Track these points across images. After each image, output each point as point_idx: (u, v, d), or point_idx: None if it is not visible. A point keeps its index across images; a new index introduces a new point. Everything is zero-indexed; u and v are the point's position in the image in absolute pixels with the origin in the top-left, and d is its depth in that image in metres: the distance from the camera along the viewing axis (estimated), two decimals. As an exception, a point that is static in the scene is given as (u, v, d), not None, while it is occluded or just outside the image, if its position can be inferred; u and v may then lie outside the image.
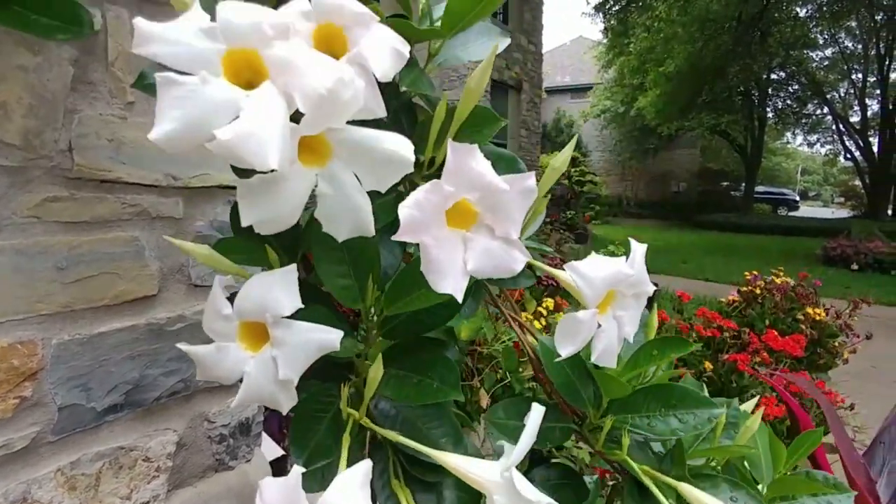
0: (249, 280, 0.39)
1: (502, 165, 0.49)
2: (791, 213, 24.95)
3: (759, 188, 23.47)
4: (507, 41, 0.52)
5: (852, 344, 2.47)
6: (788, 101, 18.90)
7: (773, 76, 17.63)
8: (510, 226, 0.37)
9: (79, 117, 0.83)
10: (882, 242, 8.99)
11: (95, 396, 0.87)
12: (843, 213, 24.00)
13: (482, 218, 0.37)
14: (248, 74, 0.32)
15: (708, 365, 2.26)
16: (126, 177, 0.89)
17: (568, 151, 0.58)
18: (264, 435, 1.27)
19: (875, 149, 16.01)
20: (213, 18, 0.32)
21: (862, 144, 16.46)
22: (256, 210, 0.33)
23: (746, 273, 3.01)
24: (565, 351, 0.45)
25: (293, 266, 0.38)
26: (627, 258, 0.52)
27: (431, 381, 0.43)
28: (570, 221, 9.32)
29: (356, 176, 0.36)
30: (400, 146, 0.35)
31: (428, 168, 0.46)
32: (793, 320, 2.50)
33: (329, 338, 0.37)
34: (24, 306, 0.78)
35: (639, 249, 0.52)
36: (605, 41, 18.81)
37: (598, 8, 16.84)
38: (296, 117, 0.33)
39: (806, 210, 28.55)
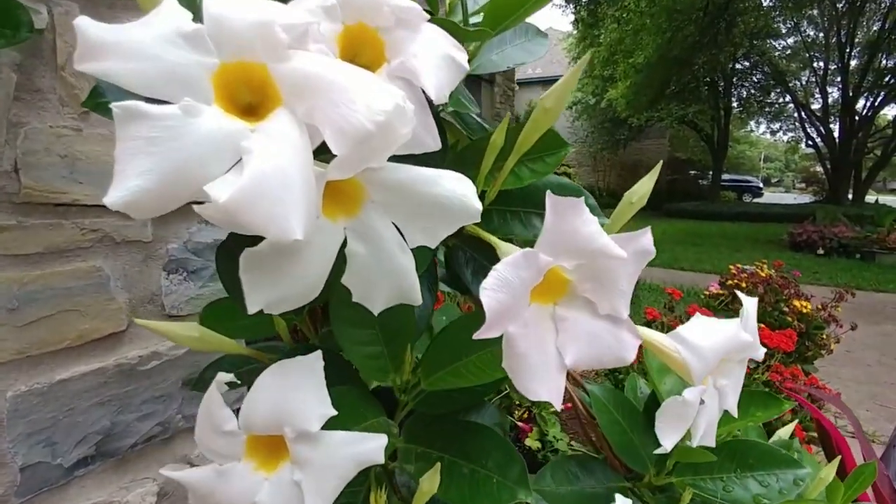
0: (260, 379, 0.29)
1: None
2: (756, 200, 25.60)
3: (725, 176, 24.01)
4: (546, 42, 0.44)
5: (837, 334, 2.48)
6: (752, 91, 19.29)
7: (738, 66, 17.95)
8: (619, 301, 0.28)
9: (25, 131, 0.71)
10: (846, 227, 9.24)
11: (62, 451, 0.76)
12: (805, 198, 24.70)
13: (578, 289, 0.28)
14: (249, 97, 0.22)
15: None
16: (83, 198, 0.77)
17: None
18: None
19: (836, 135, 16.47)
20: (197, 18, 0.22)
21: (823, 131, 16.92)
22: (267, 290, 0.24)
23: (731, 266, 3.01)
24: (669, 441, 0.36)
25: (318, 356, 0.29)
26: (741, 318, 0.43)
27: (490, 475, 0.34)
28: (546, 214, 9.33)
29: (397, 228, 0.27)
30: (461, 189, 0.26)
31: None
32: (779, 313, 2.50)
33: (370, 449, 0.28)
34: (-32, 357, 0.66)
35: (751, 307, 0.44)
36: (575, 33, 18.87)
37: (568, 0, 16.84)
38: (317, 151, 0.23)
39: (769, 196, 29.32)
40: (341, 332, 0.35)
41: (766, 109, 20.38)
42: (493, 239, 0.32)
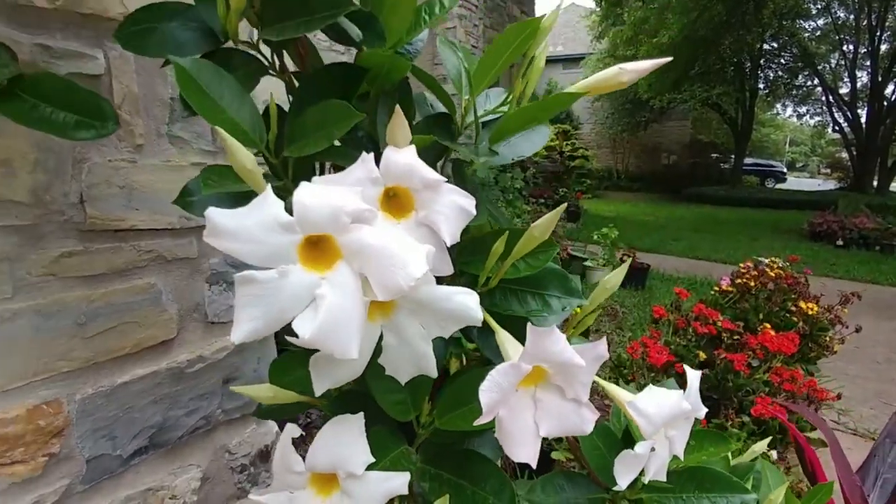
0: (321, 433, 0.39)
1: (555, 283, 0.49)
2: (779, 185, 25.13)
3: (748, 160, 23.56)
4: (548, 132, 0.51)
5: (841, 335, 2.53)
6: (780, 72, 18.79)
7: (766, 46, 17.47)
8: (581, 389, 0.38)
9: (88, 166, 0.81)
10: (867, 218, 9.09)
11: (121, 444, 0.87)
12: (830, 184, 24.20)
13: (552, 378, 0.38)
14: (320, 250, 0.31)
15: (702, 355, 2.31)
16: (140, 223, 0.87)
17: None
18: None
19: (863, 121, 16.05)
20: (280, 195, 0.30)
21: (850, 117, 16.49)
22: (328, 377, 0.33)
23: (741, 265, 3.04)
24: (624, 481, 0.46)
25: (360, 417, 0.38)
26: (685, 390, 0.52)
27: (487, 497, 0.44)
28: (562, 199, 9.30)
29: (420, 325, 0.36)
30: (468, 303, 0.34)
31: (482, 286, 0.46)
32: (786, 313, 2.54)
33: (397, 484, 0.38)
34: (46, 366, 0.77)
35: (694, 379, 0.52)
36: (598, 10, 18.44)
37: (591, -25, 16.47)
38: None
39: (793, 181, 28.73)
40: (375, 385, 0.44)
41: (794, 92, 19.83)
42: (494, 325, 0.41)
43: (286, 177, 0.43)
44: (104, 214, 0.82)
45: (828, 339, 2.46)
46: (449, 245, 0.37)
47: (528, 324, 0.35)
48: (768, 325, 2.35)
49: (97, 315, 0.82)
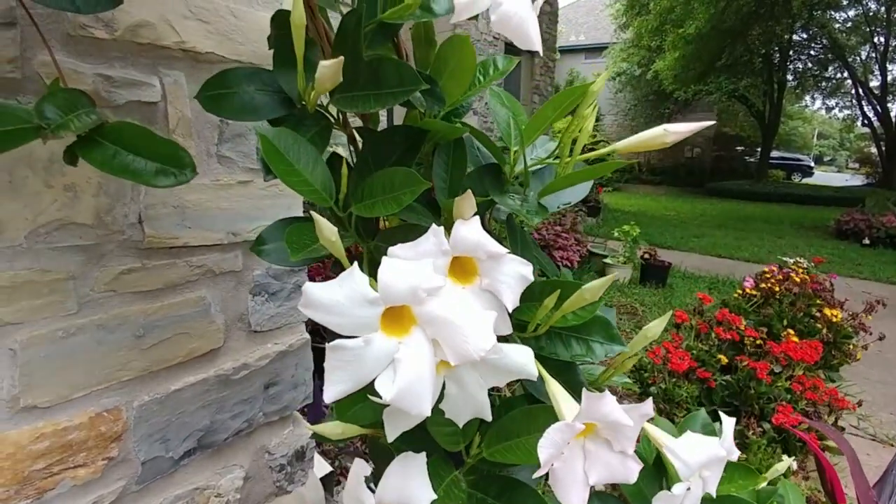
0: (389, 470, 0.42)
1: (598, 329, 0.52)
2: (805, 180, 24.56)
3: (775, 153, 23.00)
4: (590, 184, 0.54)
5: (865, 342, 2.50)
6: (809, 64, 18.28)
7: (795, 38, 16.98)
8: (627, 443, 0.41)
9: (146, 189, 0.85)
10: (895, 216, 8.87)
11: (172, 446, 0.93)
12: (858, 180, 23.58)
13: (601, 432, 0.41)
14: (398, 316, 0.35)
15: (723, 359, 2.31)
16: (192, 240, 0.92)
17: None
18: (316, 456, 1.34)
19: (893, 116, 15.58)
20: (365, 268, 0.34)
21: (880, 111, 16.02)
22: (401, 427, 0.37)
23: (766, 269, 3.02)
24: None
25: (423, 456, 0.42)
26: (721, 437, 0.54)
27: None
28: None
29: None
30: (524, 360, 0.38)
31: (532, 332, 0.49)
32: (810, 318, 2.52)
33: None
34: (108, 376, 0.83)
35: (729, 426, 0.55)
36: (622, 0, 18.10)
37: (616, -36, 16.16)
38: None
39: (820, 176, 28.05)
40: (430, 419, 0.48)
41: (823, 84, 19.28)
42: (545, 374, 0.44)
43: (350, 227, 0.46)
44: (160, 233, 0.87)
45: (851, 346, 2.45)
46: (510, 309, 0.40)
47: (584, 391, 0.38)
48: (792, 332, 2.34)
49: (153, 327, 0.87)
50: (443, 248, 0.38)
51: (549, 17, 13.16)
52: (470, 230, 0.40)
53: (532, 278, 0.42)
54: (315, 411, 1.71)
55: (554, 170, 0.53)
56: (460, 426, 0.41)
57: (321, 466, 1.53)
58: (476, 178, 0.51)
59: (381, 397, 0.32)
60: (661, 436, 0.51)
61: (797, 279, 2.77)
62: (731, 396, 2.01)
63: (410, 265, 0.34)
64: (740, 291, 2.97)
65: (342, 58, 0.44)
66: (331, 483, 1.56)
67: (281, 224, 0.50)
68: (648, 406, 0.42)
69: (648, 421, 0.56)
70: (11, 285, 0.71)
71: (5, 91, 0.69)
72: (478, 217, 0.41)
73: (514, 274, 0.41)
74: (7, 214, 0.70)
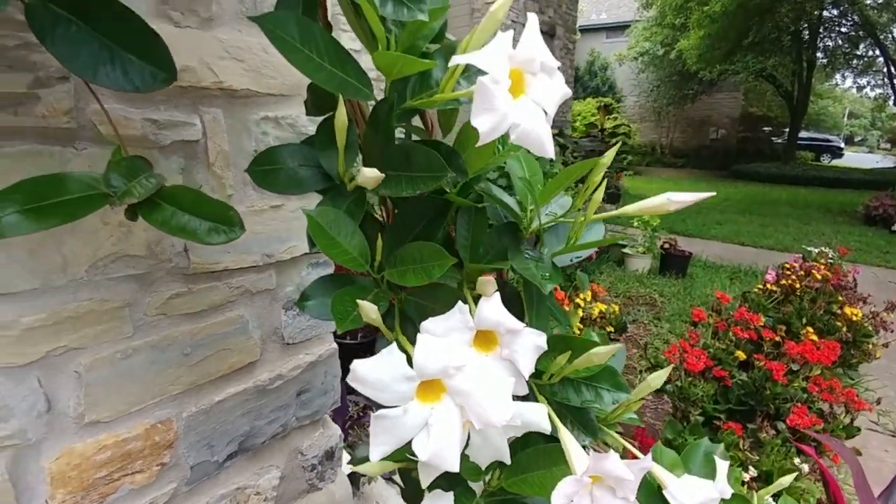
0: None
1: (607, 378, 0.57)
2: (835, 162, 23.87)
3: (803, 134, 22.34)
4: (602, 232, 0.59)
5: (886, 341, 2.49)
6: (840, 42, 17.64)
7: (825, 14, 16.37)
8: (629, 492, 0.46)
9: (191, 217, 0.92)
10: (927, 201, 8.63)
11: (217, 451, 1.02)
12: (889, 161, 22.83)
13: (605, 482, 0.47)
14: (431, 385, 0.40)
15: (741, 354, 2.34)
16: (231, 264, 0.99)
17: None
18: (344, 454, 1.43)
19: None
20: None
21: (914, 89, 15.47)
22: (432, 475, 0.43)
23: (787, 264, 3.00)
24: None
25: (451, 496, 0.48)
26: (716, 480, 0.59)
27: None
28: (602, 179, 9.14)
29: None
30: (539, 418, 0.44)
31: (548, 379, 0.54)
32: (830, 316, 2.52)
33: None
34: (160, 391, 0.91)
35: (723, 468, 0.60)
36: (645, -24, 17.63)
37: (639, -60, 15.72)
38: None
39: (850, 157, 27.19)
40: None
41: (854, 63, 18.59)
42: (558, 424, 0.50)
43: (383, 284, 0.52)
44: (204, 259, 0.94)
45: (871, 345, 2.44)
46: (525, 376, 0.46)
47: (591, 452, 0.44)
48: (811, 330, 2.34)
49: (199, 345, 0.95)
50: (468, 324, 0.44)
51: (569, -2, 12.93)
52: (492, 310, 0.45)
53: (545, 347, 0.48)
54: (341, 413, 1.80)
55: (568, 226, 0.58)
56: (483, 467, 0.47)
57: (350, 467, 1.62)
58: (495, 236, 0.56)
59: (417, 457, 0.38)
60: (663, 476, 0.56)
61: (818, 276, 2.76)
62: (746, 396, 2.05)
63: (441, 346, 0.40)
64: (760, 286, 2.97)
65: (384, 175, 0.49)
66: (357, 479, 1.65)
67: (321, 281, 0.56)
68: (648, 462, 0.47)
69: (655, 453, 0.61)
70: (76, 315, 0.79)
71: (63, 139, 0.76)
72: (498, 294, 0.46)
73: (529, 345, 0.47)
74: (70, 252, 0.78)
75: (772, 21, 14.98)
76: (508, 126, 0.38)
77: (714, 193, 0.63)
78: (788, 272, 2.89)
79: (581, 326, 2.42)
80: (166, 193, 0.58)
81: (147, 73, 0.53)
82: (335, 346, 1.26)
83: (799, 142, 20.64)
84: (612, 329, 2.54)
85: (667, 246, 5.30)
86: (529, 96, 0.41)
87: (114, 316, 0.84)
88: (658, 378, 0.62)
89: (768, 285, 2.92)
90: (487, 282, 0.46)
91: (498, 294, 0.46)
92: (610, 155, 0.54)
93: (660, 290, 4.82)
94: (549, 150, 0.40)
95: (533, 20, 0.41)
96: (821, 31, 17.07)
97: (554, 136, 6.67)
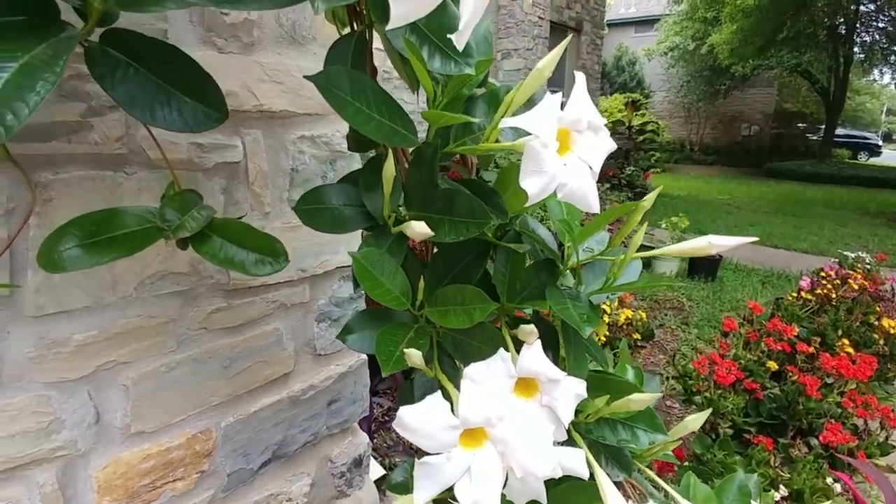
0: None
1: (644, 419, 0.57)
2: (872, 160, 23.03)
3: (840, 131, 21.59)
4: (639, 268, 0.59)
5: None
6: (877, 36, 16.95)
7: (862, 9, 15.75)
8: None
9: (231, 235, 0.95)
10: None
11: (252, 459, 1.05)
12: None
13: None
14: (473, 432, 0.42)
15: (773, 365, 2.29)
16: (268, 279, 1.02)
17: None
18: (372, 461, 1.46)
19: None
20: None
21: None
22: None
23: (822, 271, 2.92)
24: None
25: None
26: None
27: None
28: (628, 178, 8.99)
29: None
30: (577, 464, 0.45)
31: (585, 419, 0.55)
32: (867, 328, 2.45)
33: None
34: (201, 402, 0.95)
35: None
36: (676, -30, 17.22)
37: (670, -67, 15.36)
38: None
39: (889, 154, 26.19)
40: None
41: (892, 58, 17.86)
42: (595, 466, 0.51)
43: (422, 319, 0.53)
44: (243, 276, 0.97)
45: (910, 359, 2.37)
46: (566, 425, 0.47)
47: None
48: (846, 342, 2.28)
49: (237, 358, 0.98)
50: (510, 373, 0.45)
51: (598, -8, 12.73)
52: (533, 359, 0.46)
53: (585, 395, 0.48)
54: (367, 417, 1.83)
55: (606, 264, 0.59)
56: (517, 505, 0.48)
57: (375, 469, 1.65)
58: (533, 273, 0.57)
59: (459, 502, 0.39)
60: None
61: (855, 286, 2.68)
62: (778, 410, 2.01)
63: (485, 395, 0.41)
64: (794, 295, 2.90)
65: (433, 233, 0.50)
66: (382, 485, 1.68)
67: (362, 316, 0.58)
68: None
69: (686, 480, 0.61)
70: (124, 331, 0.83)
71: (115, 164, 0.80)
72: (539, 343, 0.47)
73: (570, 394, 0.48)
74: (120, 271, 0.81)
75: (807, 15, 14.49)
76: (556, 186, 0.38)
77: (756, 238, 0.63)
78: (824, 281, 2.81)
79: (608, 333, 2.40)
80: (216, 225, 0.61)
81: (200, 114, 0.56)
82: (365, 356, 1.28)
83: (835, 139, 19.95)
84: (638, 336, 2.52)
85: (695, 248, 5.20)
86: (576, 153, 0.42)
87: (159, 331, 0.87)
88: (696, 421, 0.62)
89: (803, 293, 2.85)
90: (530, 332, 0.47)
91: (539, 343, 0.47)
92: (651, 198, 0.55)
93: (688, 294, 4.74)
94: (595, 206, 0.41)
95: (581, 79, 0.42)
96: (858, 25, 16.45)
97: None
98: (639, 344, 2.73)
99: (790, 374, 2.08)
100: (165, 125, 0.55)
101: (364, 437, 1.36)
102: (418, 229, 0.47)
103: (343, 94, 0.45)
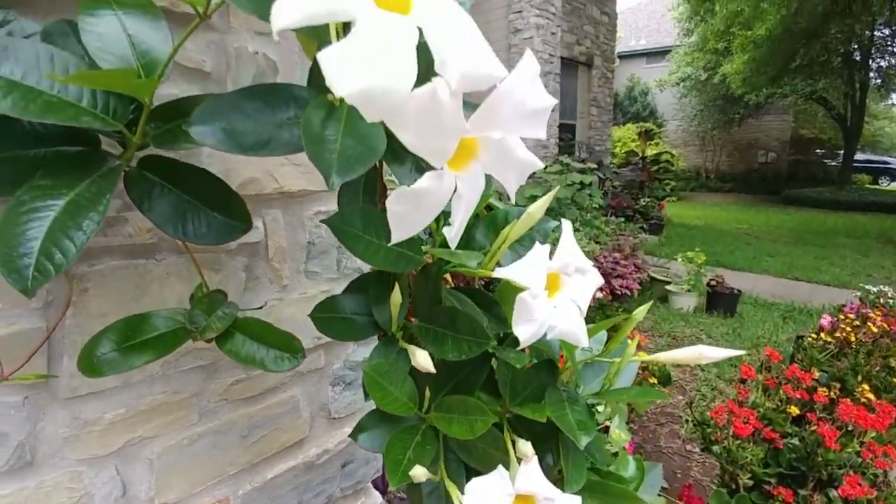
0: None
1: None
2: (893, 184, 22.67)
3: (859, 156, 21.34)
4: (635, 370, 0.62)
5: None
6: (893, 62, 16.89)
7: (877, 34, 15.76)
8: None
9: (250, 313, 1.00)
10: None
11: (268, 525, 1.07)
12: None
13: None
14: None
15: (794, 410, 2.25)
16: (286, 349, 1.06)
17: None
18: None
19: None
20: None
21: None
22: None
23: (844, 312, 2.88)
24: None
25: None
26: None
27: None
28: (643, 209, 8.97)
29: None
30: None
31: None
32: (888, 372, 2.39)
33: None
34: (220, 472, 0.98)
35: None
36: (685, 1, 17.49)
37: (678, -31, 15.67)
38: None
39: (912, 179, 25.73)
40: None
41: (909, 83, 17.76)
42: None
43: (429, 421, 0.57)
44: (260, 347, 1.01)
45: (935, 404, 2.30)
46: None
47: None
48: (867, 387, 2.24)
49: (255, 427, 1.02)
50: (508, 490, 0.48)
51: (606, 27, 12.98)
52: (530, 478, 0.49)
53: None
54: (383, 477, 1.84)
55: (606, 365, 0.62)
56: None
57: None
58: (534, 373, 0.60)
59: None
60: None
61: (874, 328, 2.63)
62: (798, 461, 1.96)
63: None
64: (814, 336, 2.85)
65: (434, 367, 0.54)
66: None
67: (373, 415, 0.61)
68: None
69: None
70: (150, 408, 0.88)
71: (146, 253, 0.86)
72: (536, 460, 0.50)
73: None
74: (148, 351, 0.86)
75: (820, 44, 14.54)
76: (546, 330, 0.42)
77: (744, 352, 0.66)
78: (843, 323, 2.76)
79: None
80: (239, 324, 0.65)
81: (227, 226, 0.61)
82: (379, 417, 1.31)
83: (854, 164, 19.72)
84: (655, 381, 2.50)
85: (714, 283, 5.14)
86: (566, 294, 0.46)
87: (182, 405, 0.92)
88: (641, 312, 0.62)
89: (822, 335, 2.80)
90: (526, 451, 0.50)
91: (536, 460, 0.50)
92: (643, 311, 0.58)
93: (707, 331, 4.67)
94: (584, 342, 0.44)
95: (567, 226, 0.46)
96: (872, 51, 16.45)
97: (594, 169, 6.59)
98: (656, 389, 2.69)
99: (810, 421, 2.04)
100: (195, 239, 0.60)
101: (377, 497, 1.37)
102: (422, 362, 0.51)
103: (355, 230, 0.49)
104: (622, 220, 7.72)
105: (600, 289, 4.78)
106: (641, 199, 9.31)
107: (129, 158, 0.58)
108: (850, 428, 2.13)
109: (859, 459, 1.92)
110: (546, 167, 6.63)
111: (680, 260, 5.35)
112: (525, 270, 0.43)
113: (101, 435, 0.84)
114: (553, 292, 0.46)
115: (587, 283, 0.47)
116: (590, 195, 6.17)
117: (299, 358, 0.65)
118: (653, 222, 8.71)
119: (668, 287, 5.33)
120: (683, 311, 5.12)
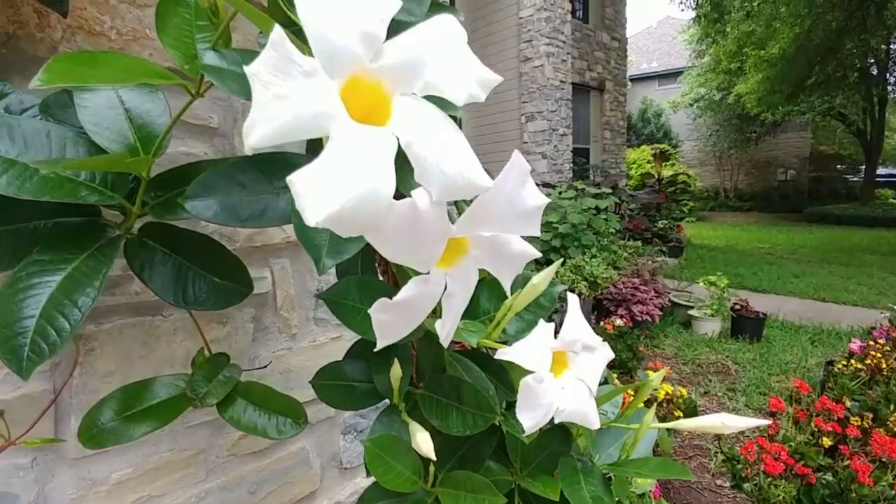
0: None
1: None
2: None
3: (881, 171, 20.91)
4: (654, 438, 0.59)
5: None
6: (911, 74, 16.67)
7: (894, 47, 15.60)
8: None
9: (258, 360, 1.00)
10: None
11: (278, 581, 1.04)
12: None
13: None
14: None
15: (826, 441, 2.15)
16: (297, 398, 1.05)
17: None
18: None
19: None
20: None
21: None
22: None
23: (873, 337, 2.77)
24: None
25: None
26: None
27: None
28: (661, 232, 8.85)
29: None
30: None
31: None
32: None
33: None
34: (229, 529, 0.95)
35: None
36: (697, 26, 17.58)
37: (687, -8, 15.77)
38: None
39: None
40: None
41: (930, 96, 17.45)
42: None
43: (435, 494, 0.55)
44: (269, 399, 1.00)
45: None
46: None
47: None
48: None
49: (264, 481, 1.00)
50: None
51: (617, 52, 13.08)
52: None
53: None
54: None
55: (625, 431, 0.59)
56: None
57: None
58: (546, 439, 0.58)
59: None
60: None
61: (907, 356, 2.52)
62: (832, 497, 1.86)
63: None
64: (844, 363, 2.74)
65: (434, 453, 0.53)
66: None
67: (377, 488, 0.59)
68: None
69: None
70: (157, 466, 0.86)
71: (153, 310, 0.85)
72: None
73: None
74: (155, 409, 0.86)
75: (835, 60, 14.42)
76: (553, 413, 0.40)
77: (769, 422, 0.62)
78: (873, 349, 2.65)
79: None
80: (240, 388, 0.64)
81: (228, 292, 0.60)
82: (392, 464, 1.28)
83: (877, 179, 19.31)
84: (680, 414, 2.41)
85: (738, 307, 5.00)
86: (573, 372, 0.44)
87: (189, 462, 0.90)
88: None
89: (853, 362, 2.69)
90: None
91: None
92: (658, 378, 0.55)
93: (733, 357, 4.52)
94: (594, 423, 0.42)
95: (573, 301, 0.45)
96: (889, 65, 16.27)
97: (608, 194, 6.53)
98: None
99: (843, 454, 1.94)
100: (196, 306, 0.60)
101: (393, 547, 1.33)
102: (424, 447, 0.49)
103: (352, 303, 0.49)
104: (640, 243, 7.63)
105: (619, 316, 4.68)
106: (659, 222, 9.18)
107: (129, 227, 0.58)
108: (883, 459, 2.02)
109: (892, 492, 1.81)
110: (560, 192, 6.60)
111: (701, 283, 5.23)
112: (528, 352, 0.41)
113: (109, 495, 0.83)
114: (560, 371, 0.44)
115: (596, 360, 0.45)
116: (605, 219, 6.11)
117: (301, 424, 0.63)
118: (672, 245, 8.57)
119: (690, 312, 5.20)
120: (708, 337, 4.98)
